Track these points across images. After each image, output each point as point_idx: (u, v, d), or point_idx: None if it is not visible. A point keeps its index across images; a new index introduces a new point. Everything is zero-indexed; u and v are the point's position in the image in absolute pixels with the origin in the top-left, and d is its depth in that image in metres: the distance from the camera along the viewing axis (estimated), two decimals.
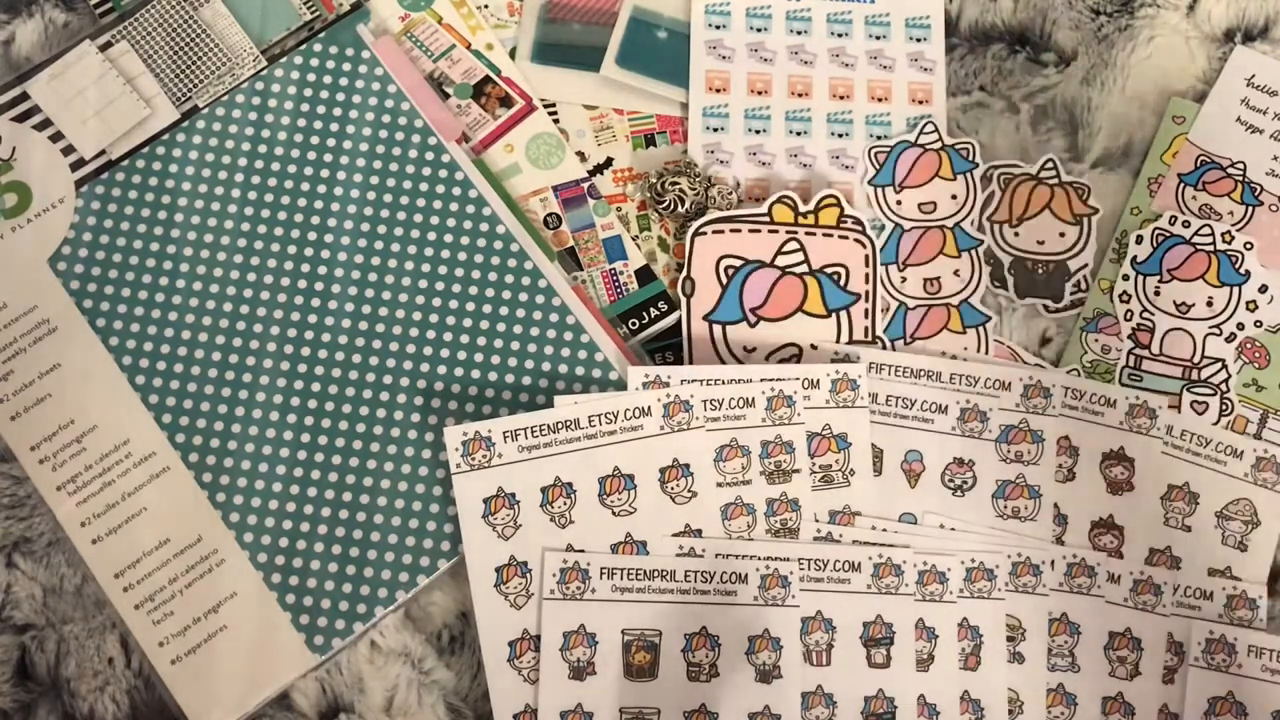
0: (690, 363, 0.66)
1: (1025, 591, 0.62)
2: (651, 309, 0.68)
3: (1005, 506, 0.63)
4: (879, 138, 0.71)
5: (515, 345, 0.64)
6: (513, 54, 0.71)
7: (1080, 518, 0.64)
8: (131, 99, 0.66)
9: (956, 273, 0.68)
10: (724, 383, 0.62)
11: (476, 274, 0.65)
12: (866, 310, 0.67)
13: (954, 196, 0.69)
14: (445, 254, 0.65)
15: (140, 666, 0.61)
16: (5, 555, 0.62)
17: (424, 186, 0.66)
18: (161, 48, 0.67)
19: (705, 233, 0.67)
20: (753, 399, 0.62)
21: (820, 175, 0.70)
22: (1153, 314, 0.68)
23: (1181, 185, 0.70)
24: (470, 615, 0.61)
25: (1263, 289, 0.68)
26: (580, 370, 0.64)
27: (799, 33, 0.72)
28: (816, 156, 0.71)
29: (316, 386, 0.63)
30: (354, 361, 0.64)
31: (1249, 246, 0.68)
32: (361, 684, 0.61)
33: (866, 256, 0.67)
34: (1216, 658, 0.62)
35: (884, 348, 0.67)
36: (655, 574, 0.60)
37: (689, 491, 0.61)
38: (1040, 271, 0.69)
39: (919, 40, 0.72)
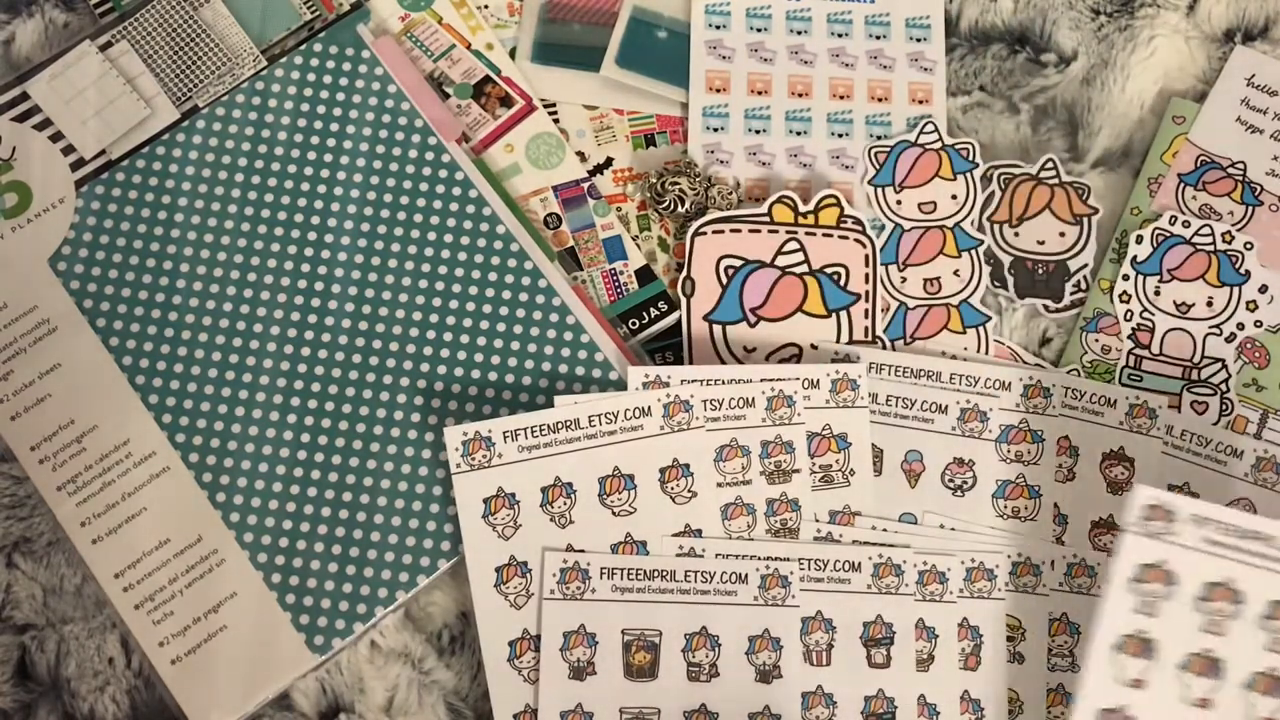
0: (690, 363, 0.66)
1: (1025, 591, 0.62)
2: (651, 309, 0.68)
3: (1005, 506, 0.63)
4: (879, 138, 0.71)
5: (515, 345, 0.64)
6: (513, 54, 0.71)
7: (1080, 518, 0.64)
8: (131, 99, 0.66)
9: (956, 273, 0.68)
10: (724, 383, 0.62)
11: (476, 274, 0.65)
12: (866, 310, 0.67)
13: (954, 196, 0.69)
14: (445, 254, 0.65)
15: (140, 666, 0.61)
16: (5, 555, 0.62)
17: (424, 186, 0.66)
18: (161, 48, 0.67)
19: (705, 233, 0.67)
20: (753, 399, 0.62)
21: (820, 175, 0.70)
22: (1153, 314, 0.68)
23: (1181, 185, 0.70)
24: (470, 615, 0.61)
25: (1263, 289, 0.68)
26: (580, 370, 0.64)
27: (799, 33, 0.72)
28: (816, 156, 0.71)
29: (316, 386, 0.63)
30: (354, 361, 0.64)
31: (1249, 246, 0.68)
32: (362, 684, 0.61)
33: (866, 256, 0.67)
34: None
35: (884, 348, 0.67)
36: (655, 574, 0.60)
37: (689, 491, 0.61)
38: (1040, 271, 0.69)
39: (919, 40, 0.72)
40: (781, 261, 0.67)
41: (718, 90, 0.71)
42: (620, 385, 0.64)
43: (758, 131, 0.71)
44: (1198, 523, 0.56)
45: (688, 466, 0.61)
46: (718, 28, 0.72)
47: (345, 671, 0.61)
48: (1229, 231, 0.68)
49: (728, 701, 0.59)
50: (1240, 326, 0.68)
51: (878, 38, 0.72)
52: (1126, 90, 0.72)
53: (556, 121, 0.71)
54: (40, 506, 0.62)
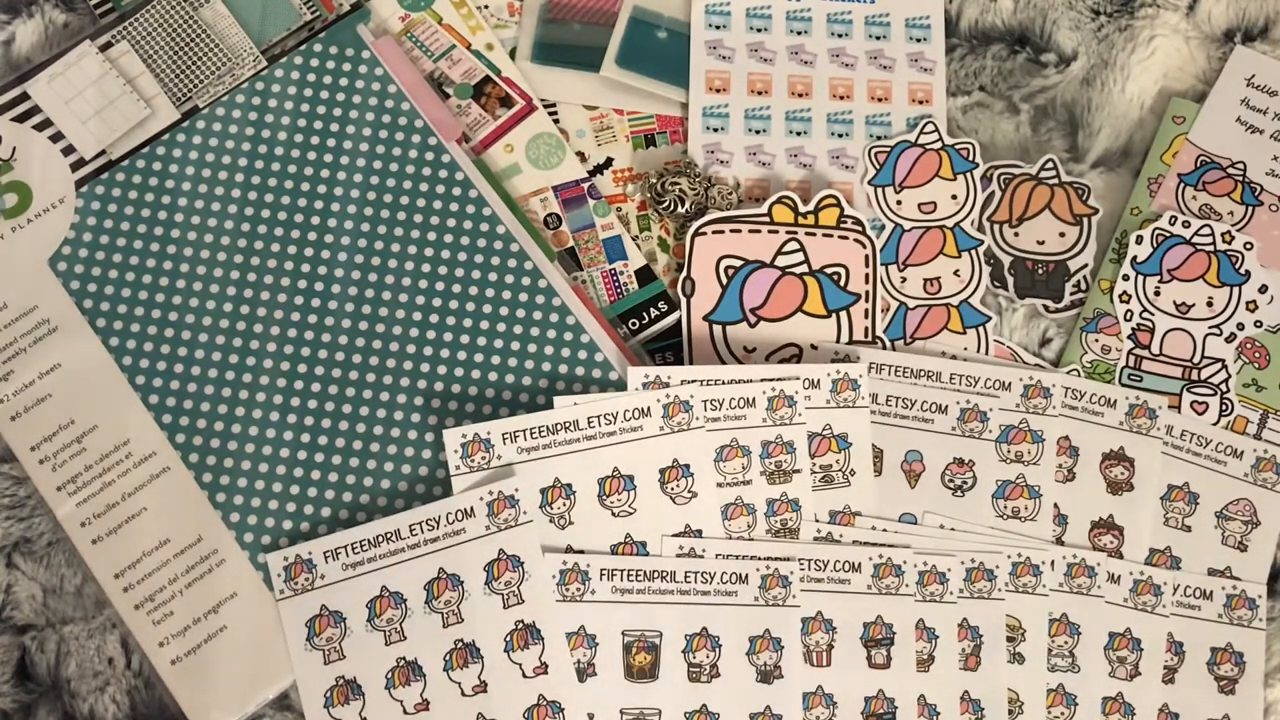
0: (690, 363, 0.66)
1: (1025, 591, 0.62)
2: (651, 309, 0.68)
3: (1005, 506, 0.63)
4: (879, 138, 0.71)
5: (515, 345, 0.64)
6: (513, 54, 0.71)
7: (1080, 518, 0.64)
8: (131, 99, 0.66)
9: (956, 273, 0.68)
10: (724, 383, 0.62)
11: (476, 274, 0.65)
12: (866, 310, 0.67)
13: (954, 196, 0.69)
14: (445, 254, 0.65)
15: (140, 666, 0.61)
16: (5, 555, 0.62)
17: (424, 186, 0.66)
18: (161, 48, 0.67)
19: (705, 233, 0.67)
20: (753, 399, 0.62)
21: (820, 175, 0.70)
22: (1153, 314, 0.68)
23: (1181, 185, 0.70)
24: None
25: (1263, 289, 0.68)
26: (580, 370, 0.64)
27: (799, 33, 0.72)
28: (816, 156, 0.71)
29: (316, 386, 0.63)
30: (354, 361, 0.64)
31: (1249, 246, 0.68)
32: None
33: (866, 256, 0.67)
34: None
35: (884, 348, 0.67)
36: (655, 575, 0.60)
37: (689, 492, 0.61)
38: (1040, 271, 0.69)
39: (919, 40, 0.72)
40: (781, 261, 0.67)
41: (718, 90, 0.71)
42: (620, 385, 0.64)
43: (758, 131, 0.71)
44: (331, 556, 0.59)
45: (688, 467, 0.61)
46: (718, 28, 0.72)
47: None
48: (1229, 231, 0.68)
49: (728, 702, 0.59)
50: (1240, 326, 0.68)
51: (878, 38, 0.72)
52: (1126, 90, 0.72)
53: (556, 121, 0.71)
54: (40, 506, 0.62)
